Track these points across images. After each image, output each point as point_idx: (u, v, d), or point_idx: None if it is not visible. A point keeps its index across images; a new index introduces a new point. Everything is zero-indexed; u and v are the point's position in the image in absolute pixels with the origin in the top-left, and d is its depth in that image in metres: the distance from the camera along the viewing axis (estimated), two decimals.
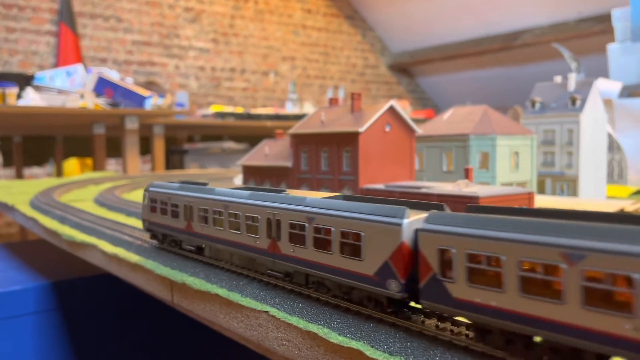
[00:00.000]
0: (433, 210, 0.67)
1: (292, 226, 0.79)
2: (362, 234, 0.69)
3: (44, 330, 1.72)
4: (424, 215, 0.66)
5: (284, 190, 0.90)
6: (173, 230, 1.08)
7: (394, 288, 0.66)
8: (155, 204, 1.13)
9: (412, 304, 0.69)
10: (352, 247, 0.70)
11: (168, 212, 1.08)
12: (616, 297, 0.46)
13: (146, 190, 1.18)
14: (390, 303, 0.69)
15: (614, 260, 0.46)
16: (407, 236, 0.64)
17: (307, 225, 0.77)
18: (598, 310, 0.47)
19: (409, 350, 0.62)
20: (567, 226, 0.51)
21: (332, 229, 0.73)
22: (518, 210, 0.61)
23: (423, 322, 0.66)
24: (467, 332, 0.63)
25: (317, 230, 0.75)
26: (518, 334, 0.55)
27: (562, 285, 0.50)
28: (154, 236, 1.18)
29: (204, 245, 1.01)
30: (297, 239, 0.79)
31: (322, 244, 0.75)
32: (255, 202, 0.87)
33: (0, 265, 2.00)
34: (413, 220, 0.65)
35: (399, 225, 0.65)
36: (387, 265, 0.66)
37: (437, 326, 0.65)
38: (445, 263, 0.60)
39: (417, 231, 0.64)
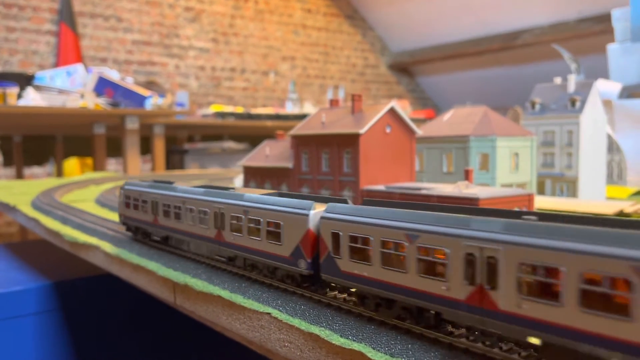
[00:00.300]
0: (332, 203, 0.80)
1: (233, 218, 0.94)
2: (282, 223, 0.84)
3: (45, 331, 1.72)
4: (325, 206, 0.80)
5: (232, 188, 1.05)
6: (143, 223, 1.22)
7: (302, 266, 0.81)
8: (129, 200, 1.27)
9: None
10: (275, 234, 0.85)
11: (139, 208, 1.23)
12: (438, 268, 0.63)
13: (122, 188, 1.31)
14: (302, 279, 0.83)
15: (437, 239, 0.62)
16: (312, 224, 0.80)
17: (243, 217, 0.92)
18: (430, 277, 0.64)
19: (410, 352, 0.62)
20: (411, 213, 0.67)
21: (261, 219, 0.88)
22: (395, 204, 0.75)
23: (325, 293, 0.80)
24: (466, 333, 0.63)
25: (250, 220, 0.90)
26: (382, 298, 0.70)
27: (403, 257, 0.66)
28: (128, 229, 1.30)
29: (168, 236, 1.15)
30: (236, 228, 0.93)
31: (254, 232, 0.90)
32: (206, 198, 1.02)
33: (1, 266, 2.00)
34: (317, 211, 0.80)
35: (307, 215, 0.80)
36: (298, 248, 0.81)
37: (344, 299, 0.78)
38: (336, 244, 0.75)
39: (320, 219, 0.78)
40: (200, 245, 1.05)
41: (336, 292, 0.80)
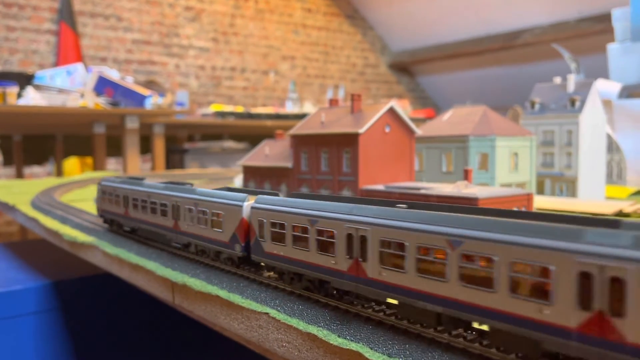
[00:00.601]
0: (261, 196, 0.94)
1: (186, 209, 1.09)
2: (222, 213, 0.98)
3: (44, 330, 1.72)
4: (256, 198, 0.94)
5: (191, 184, 1.17)
6: (116, 216, 1.36)
7: (238, 249, 0.95)
8: (104, 195, 1.41)
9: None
10: (218, 223, 0.99)
11: (113, 202, 1.36)
12: (329, 247, 0.77)
13: (99, 184, 1.45)
14: (238, 260, 0.96)
15: (330, 224, 0.77)
16: (245, 214, 0.94)
17: (194, 208, 1.06)
18: (324, 254, 0.78)
19: (408, 352, 0.62)
20: (313, 203, 0.82)
21: (207, 210, 1.02)
22: (310, 196, 0.89)
23: (262, 273, 0.93)
24: (464, 334, 0.63)
25: (199, 211, 1.04)
26: (295, 273, 0.84)
27: (307, 239, 0.80)
28: (105, 221, 1.44)
29: (137, 227, 1.28)
30: (189, 218, 1.07)
31: (202, 221, 1.03)
32: (166, 192, 1.15)
33: (1, 265, 2.00)
34: (250, 203, 0.94)
35: (241, 206, 0.94)
36: (234, 234, 0.95)
37: (273, 277, 0.90)
38: (261, 229, 0.89)
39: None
40: (161, 235, 1.18)
41: (271, 273, 0.92)
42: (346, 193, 1.50)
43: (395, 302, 0.70)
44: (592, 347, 0.49)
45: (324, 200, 0.83)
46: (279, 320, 0.75)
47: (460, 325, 0.62)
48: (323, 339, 0.68)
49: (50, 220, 1.61)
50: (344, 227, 0.74)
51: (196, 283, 0.93)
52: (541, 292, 0.52)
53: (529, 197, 1.30)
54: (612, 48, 2.66)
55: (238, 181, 2.31)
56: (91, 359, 1.81)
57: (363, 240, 0.71)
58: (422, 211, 0.68)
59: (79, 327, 1.79)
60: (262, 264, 0.93)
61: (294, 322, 0.73)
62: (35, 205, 1.89)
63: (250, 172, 1.86)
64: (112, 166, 4.87)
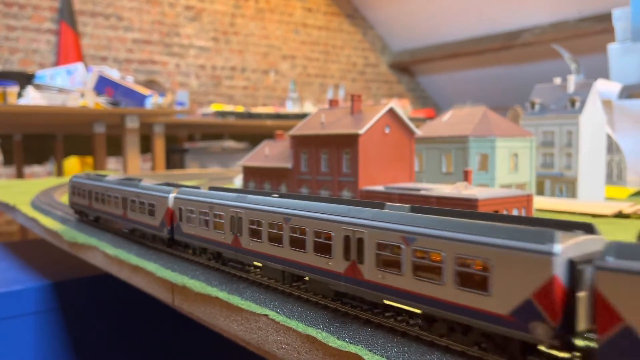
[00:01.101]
0: (183, 188, 1.14)
1: (131, 201, 1.30)
2: (155, 203, 1.19)
3: (44, 330, 1.73)
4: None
5: (139, 180, 1.35)
6: (83, 207, 1.56)
7: (165, 232, 1.15)
8: (74, 190, 1.62)
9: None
10: (151, 211, 1.20)
11: (81, 195, 1.56)
12: (218, 224, 0.99)
13: (70, 180, 1.66)
14: (167, 241, 1.16)
15: (222, 208, 0.98)
16: (171, 203, 1.14)
17: (136, 200, 1.26)
18: (218, 231, 0.99)
19: (407, 355, 0.62)
20: (212, 193, 1.03)
21: (145, 201, 1.22)
22: (219, 188, 1.07)
23: (185, 251, 1.11)
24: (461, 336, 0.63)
25: (139, 202, 1.25)
26: (202, 247, 1.05)
27: (207, 220, 1.02)
28: (75, 212, 1.64)
29: (99, 216, 1.49)
30: (132, 209, 1.28)
31: (142, 210, 1.24)
32: (118, 187, 1.35)
33: (1, 265, 2.01)
34: (174, 194, 1.14)
35: (167, 197, 1.15)
36: (163, 220, 1.16)
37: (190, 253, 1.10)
38: (180, 215, 1.10)
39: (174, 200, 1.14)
40: (115, 223, 1.40)
41: (191, 250, 1.09)
42: (346, 194, 1.50)
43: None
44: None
45: (221, 192, 1.04)
46: (278, 322, 0.75)
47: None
48: (322, 341, 0.68)
49: (50, 221, 1.61)
50: (229, 211, 0.97)
51: (196, 284, 0.93)
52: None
53: (528, 198, 1.30)
54: (613, 48, 2.66)
55: (238, 181, 2.31)
56: (90, 359, 1.81)
57: (239, 219, 0.94)
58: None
59: (78, 327, 1.79)
60: (183, 243, 1.14)
61: (293, 324, 0.73)
62: (35, 205, 1.89)
63: (250, 173, 1.86)
64: (113, 166, 4.88)
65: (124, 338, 1.85)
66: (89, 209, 1.52)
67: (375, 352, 0.64)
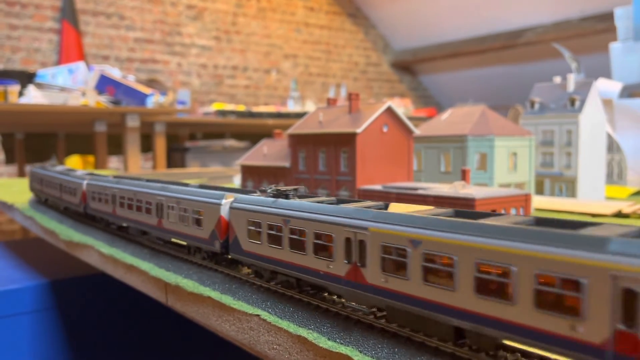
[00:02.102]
0: (93, 175, 1.52)
1: (57, 185, 1.66)
2: (75, 187, 1.56)
3: (41, 329, 1.73)
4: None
5: (92, 174, 1.60)
6: (39, 192, 1.91)
7: (81, 208, 1.51)
8: (34, 178, 1.98)
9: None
10: (73, 193, 1.55)
11: (38, 182, 1.93)
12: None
13: (30, 171, 2.04)
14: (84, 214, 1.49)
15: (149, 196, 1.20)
16: (84, 187, 1.50)
17: (66, 186, 1.61)
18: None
19: (397, 356, 0.62)
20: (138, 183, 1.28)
21: (71, 186, 1.58)
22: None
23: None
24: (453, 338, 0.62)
25: (67, 187, 1.60)
26: (143, 232, 1.26)
27: (132, 205, 1.24)
28: (35, 196, 1.99)
29: (47, 199, 1.84)
30: (58, 191, 1.67)
31: (69, 193, 1.59)
32: (69, 178, 1.61)
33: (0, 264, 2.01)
34: (86, 180, 1.51)
35: (81, 183, 1.50)
36: (80, 200, 1.51)
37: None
38: (92, 199, 1.42)
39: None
40: (61, 204, 1.68)
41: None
42: (343, 193, 1.49)
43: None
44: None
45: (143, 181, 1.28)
46: (270, 323, 0.75)
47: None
48: (313, 341, 0.67)
49: (47, 220, 1.60)
50: (157, 198, 1.15)
51: (189, 284, 0.93)
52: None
53: (526, 198, 1.29)
54: (615, 47, 2.64)
55: (237, 180, 2.30)
56: (87, 358, 1.81)
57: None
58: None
59: (75, 326, 1.79)
60: (92, 214, 1.45)
61: (285, 324, 0.73)
62: (32, 204, 1.89)
63: (249, 172, 1.85)
64: (114, 164, 4.88)
65: (120, 336, 1.85)
66: (42, 194, 1.86)
67: (365, 354, 0.63)
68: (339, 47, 6.74)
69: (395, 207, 0.77)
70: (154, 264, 1.08)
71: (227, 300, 0.84)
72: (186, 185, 1.16)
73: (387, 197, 1.38)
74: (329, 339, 0.68)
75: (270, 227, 0.83)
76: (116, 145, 4.06)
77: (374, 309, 0.72)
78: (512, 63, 6.06)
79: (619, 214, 1.43)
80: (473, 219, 0.61)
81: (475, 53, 6.16)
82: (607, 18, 4.03)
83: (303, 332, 0.70)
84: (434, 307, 0.60)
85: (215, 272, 0.98)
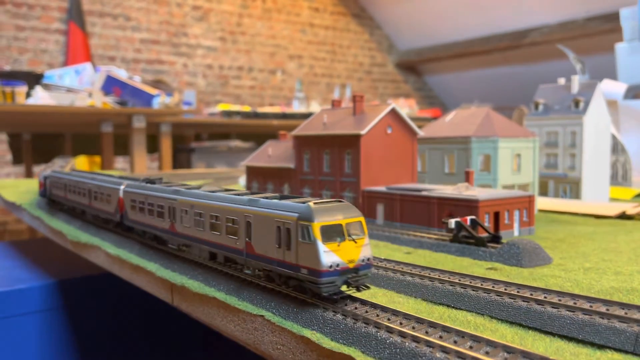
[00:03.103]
0: (54, 169, 1.87)
1: (71, 187, 1.70)
2: (43, 181, 1.84)
3: (48, 329, 1.74)
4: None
5: (74, 171, 1.85)
6: (60, 200, 1.82)
7: (40, 194, 1.90)
8: (54, 183, 1.90)
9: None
10: (89, 193, 1.54)
11: (60, 188, 1.86)
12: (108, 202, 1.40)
13: (45, 175, 1.98)
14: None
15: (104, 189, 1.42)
16: (41, 177, 1.89)
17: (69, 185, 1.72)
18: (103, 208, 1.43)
19: (399, 357, 0.63)
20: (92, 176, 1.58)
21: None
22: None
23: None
24: (455, 337, 0.63)
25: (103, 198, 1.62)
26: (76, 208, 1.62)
27: (85, 193, 1.52)
28: (50, 202, 1.94)
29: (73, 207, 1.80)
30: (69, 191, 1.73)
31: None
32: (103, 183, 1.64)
33: (6, 264, 2.03)
34: (46, 173, 1.87)
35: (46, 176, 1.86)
36: (42, 187, 1.89)
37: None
38: (51, 189, 1.85)
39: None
40: (77, 207, 1.66)
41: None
42: (347, 194, 1.50)
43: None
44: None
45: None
46: (274, 323, 0.76)
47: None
48: (316, 342, 0.68)
49: (55, 220, 1.62)
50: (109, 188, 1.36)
51: (194, 284, 0.94)
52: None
53: (530, 199, 1.29)
54: (620, 47, 2.64)
55: (242, 181, 2.32)
56: (94, 357, 1.83)
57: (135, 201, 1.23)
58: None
59: (82, 325, 1.81)
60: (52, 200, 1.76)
61: (288, 325, 0.74)
62: (40, 205, 1.91)
63: (254, 173, 1.87)
64: (120, 165, 4.91)
65: (126, 336, 1.87)
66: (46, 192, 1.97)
67: (368, 354, 0.64)
68: (344, 47, 6.74)
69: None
70: (160, 264, 1.09)
71: (232, 300, 0.85)
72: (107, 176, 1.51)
73: (391, 198, 1.39)
74: (331, 340, 0.69)
75: (140, 203, 1.21)
76: (122, 146, 4.08)
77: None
78: (517, 63, 6.05)
79: (623, 215, 1.44)
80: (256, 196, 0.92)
81: (480, 53, 6.16)
82: (612, 18, 4.01)
83: (306, 333, 0.71)
84: (194, 239, 1.02)
85: (221, 273, 0.99)
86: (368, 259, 0.75)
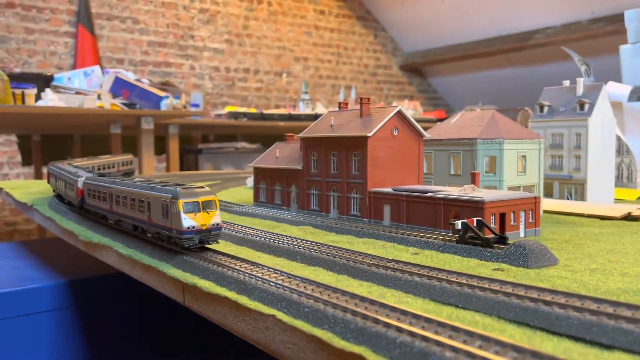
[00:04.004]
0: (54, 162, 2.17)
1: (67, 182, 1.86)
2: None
3: (59, 328, 1.77)
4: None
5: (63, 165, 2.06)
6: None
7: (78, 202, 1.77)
8: (89, 190, 2.00)
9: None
10: (71, 186, 1.74)
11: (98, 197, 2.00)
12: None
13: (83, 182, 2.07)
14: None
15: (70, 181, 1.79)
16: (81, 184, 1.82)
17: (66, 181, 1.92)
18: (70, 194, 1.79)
19: (409, 356, 0.64)
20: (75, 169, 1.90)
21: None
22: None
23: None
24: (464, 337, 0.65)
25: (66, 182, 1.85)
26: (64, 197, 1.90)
27: (72, 186, 1.75)
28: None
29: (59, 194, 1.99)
30: (63, 186, 1.88)
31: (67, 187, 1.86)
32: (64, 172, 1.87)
33: (18, 264, 2.06)
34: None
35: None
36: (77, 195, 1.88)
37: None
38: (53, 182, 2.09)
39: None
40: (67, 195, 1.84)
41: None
42: (354, 195, 1.52)
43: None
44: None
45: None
46: (285, 322, 0.77)
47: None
48: (327, 341, 0.69)
49: (66, 221, 1.65)
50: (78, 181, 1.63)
51: (206, 284, 0.95)
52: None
53: (535, 200, 1.30)
54: (625, 49, 2.64)
55: (250, 182, 2.34)
56: (104, 356, 1.85)
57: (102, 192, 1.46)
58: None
59: (93, 325, 1.83)
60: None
61: (299, 324, 0.75)
62: (52, 205, 1.94)
63: (261, 174, 1.88)
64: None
65: (137, 335, 1.89)
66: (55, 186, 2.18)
67: (378, 353, 0.65)
68: (349, 49, 6.76)
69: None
70: (171, 264, 1.11)
71: (243, 300, 0.86)
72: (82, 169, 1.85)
73: (397, 199, 1.40)
74: (342, 339, 0.69)
75: (93, 191, 1.52)
76: (131, 147, 4.11)
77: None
78: (521, 65, 6.05)
79: (629, 217, 1.45)
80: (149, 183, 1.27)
81: (484, 55, 6.15)
82: (617, 20, 4.01)
83: (317, 332, 0.72)
84: (123, 216, 1.35)
85: (232, 272, 1.01)
86: (217, 224, 1.10)
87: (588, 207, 1.53)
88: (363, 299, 0.79)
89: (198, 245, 1.09)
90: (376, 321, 0.72)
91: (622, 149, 1.94)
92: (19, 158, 4.76)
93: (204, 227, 1.07)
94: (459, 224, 1.11)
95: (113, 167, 2.47)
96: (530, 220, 1.28)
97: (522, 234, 1.27)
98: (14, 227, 4.72)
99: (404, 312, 0.74)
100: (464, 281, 0.86)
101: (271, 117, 4.78)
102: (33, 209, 1.97)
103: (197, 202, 1.08)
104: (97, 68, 3.88)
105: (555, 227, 1.37)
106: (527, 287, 0.81)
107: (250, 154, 4.66)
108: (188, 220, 1.06)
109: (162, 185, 1.18)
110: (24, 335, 1.72)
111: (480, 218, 1.15)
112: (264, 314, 0.81)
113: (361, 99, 1.57)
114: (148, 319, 1.91)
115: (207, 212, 1.08)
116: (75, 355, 1.80)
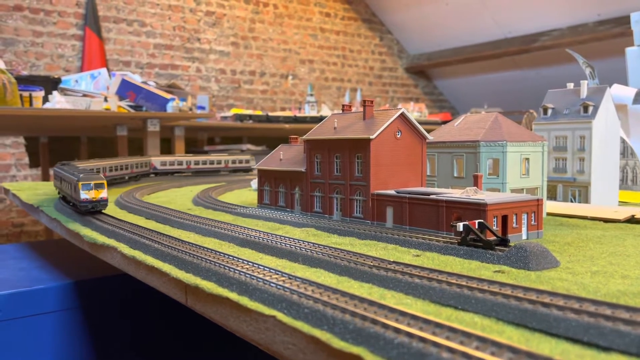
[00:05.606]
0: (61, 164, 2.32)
1: (65, 182, 2.00)
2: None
3: (64, 329, 1.78)
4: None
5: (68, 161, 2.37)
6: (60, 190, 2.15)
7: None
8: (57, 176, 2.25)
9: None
10: (68, 183, 1.87)
11: (59, 180, 2.15)
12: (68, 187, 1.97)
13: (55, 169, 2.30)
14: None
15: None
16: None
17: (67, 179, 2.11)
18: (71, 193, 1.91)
19: (406, 357, 0.64)
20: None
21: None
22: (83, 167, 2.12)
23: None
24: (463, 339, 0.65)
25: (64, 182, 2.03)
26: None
27: (67, 184, 1.91)
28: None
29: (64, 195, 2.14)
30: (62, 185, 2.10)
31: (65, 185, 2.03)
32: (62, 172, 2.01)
33: (24, 264, 2.07)
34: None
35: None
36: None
37: None
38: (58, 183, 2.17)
39: None
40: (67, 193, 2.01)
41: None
42: (357, 197, 1.52)
43: None
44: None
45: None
46: (285, 323, 0.77)
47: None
48: (325, 342, 0.70)
49: (72, 222, 1.66)
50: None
51: (208, 285, 0.96)
52: (73, 189, 1.75)
53: (539, 203, 1.30)
54: (630, 51, 2.63)
55: (254, 184, 2.35)
56: (110, 357, 1.86)
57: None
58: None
59: (98, 325, 1.84)
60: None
61: (299, 324, 0.75)
62: (57, 207, 1.95)
63: (265, 176, 1.89)
64: None
65: (142, 337, 1.90)
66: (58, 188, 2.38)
67: (376, 354, 0.66)
68: (355, 52, 6.77)
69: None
70: (174, 265, 1.12)
71: (245, 301, 0.87)
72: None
73: (400, 201, 1.41)
74: (341, 339, 0.70)
75: (60, 177, 1.90)
76: (137, 149, 4.14)
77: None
78: (527, 67, 6.03)
79: (632, 219, 1.44)
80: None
81: (490, 58, 6.14)
82: (623, 22, 4.00)
83: (316, 333, 0.72)
84: (68, 195, 1.71)
85: (234, 273, 1.02)
86: (103, 198, 1.61)
87: (591, 210, 1.52)
88: (362, 300, 0.80)
89: (90, 210, 1.61)
90: (375, 322, 0.73)
91: (626, 152, 1.93)
92: (26, 160, 4.80)
93: (94, 199, 1.60)
94: (460, 226, 1.11)
95: (126, 168, 2.56)
96: (532, 222, 1.28)
97: (524, 237, 1.27)
98: (21, 228, 4.75)
99: (403, 313, 0.74)
100: (464, 283, 0.87)
101: (277, 119, 4.79)
102: (39, 211, 1.99)
103: (91, 183, 1.60)
104: (104, 71, 3.91)
105: (558, 230, 1.37)
106: (526, 289, 0.81)
107: (256, 155, 4.67)
108: (84, 195, 1.59)
109: (76, 172, 1.69)
110: (30, 335, 1.74)
111: (482, 220, 1.15)
112: (264, 314, 0.82)
113: (364, 101, 1.57)
114: (153, 320, 1.92)
115: (98, 190, 1.61)
116: (81, 356, 1.82)
